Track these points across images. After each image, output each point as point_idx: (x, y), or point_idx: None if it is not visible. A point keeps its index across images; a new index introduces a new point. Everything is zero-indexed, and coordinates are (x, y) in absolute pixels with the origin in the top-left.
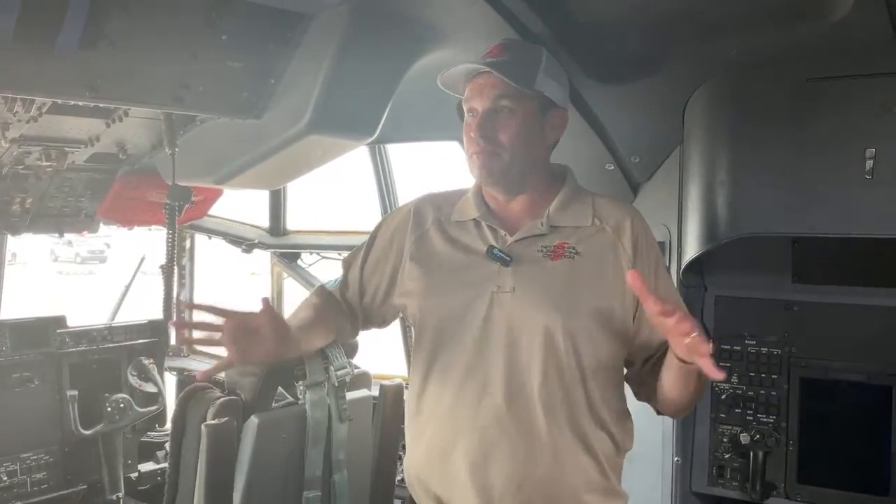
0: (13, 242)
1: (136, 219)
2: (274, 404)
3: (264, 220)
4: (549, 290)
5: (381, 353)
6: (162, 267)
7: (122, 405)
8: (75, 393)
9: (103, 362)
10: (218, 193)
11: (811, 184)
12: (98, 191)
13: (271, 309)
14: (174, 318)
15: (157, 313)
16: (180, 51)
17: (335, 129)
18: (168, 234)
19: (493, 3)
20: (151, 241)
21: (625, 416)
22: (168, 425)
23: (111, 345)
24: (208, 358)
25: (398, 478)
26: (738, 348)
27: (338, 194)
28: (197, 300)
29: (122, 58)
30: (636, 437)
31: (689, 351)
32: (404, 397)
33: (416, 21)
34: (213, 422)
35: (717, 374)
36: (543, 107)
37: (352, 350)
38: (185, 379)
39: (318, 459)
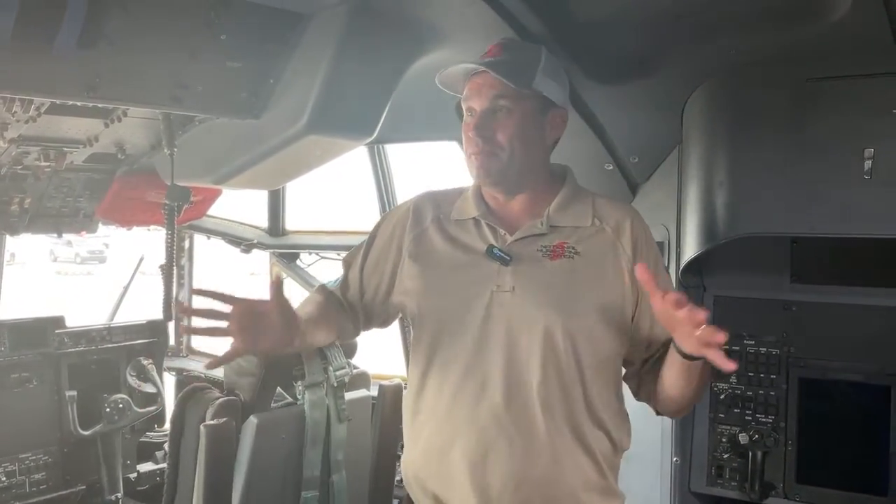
0: (12, 242)
1: (135, 219)
2: (273, 404)
3: (263, 221)
4: (548, 290)
5: (379, 353)
6: (161, 267)
7: (120, 405)
8: (74, 393)
9: (102, 363)
10: (217, 193)
11: (810, 184)
12: (97, 191)
13: (281, 294)
14: (174, 317)
15: (156, 313)
16: (179, 51)
17: (334, 130)
18: (167, 234)
19: (491, 3)
20: (150, 241)
21: (623, 415)
22: (167, 425)
23: (110, 345)
24: (207, 358)
25: (397, 478)
26: (737, 348)
27: (337, 195)
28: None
29: (121, 58)
30: (635, 436)
31: (698, 343)
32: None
33: (415, 21)
34: (211, 422)
35: (728, 365)
36: (542, 107)
37: (351, 350)
38: (183, 379)
39: (317, 459)
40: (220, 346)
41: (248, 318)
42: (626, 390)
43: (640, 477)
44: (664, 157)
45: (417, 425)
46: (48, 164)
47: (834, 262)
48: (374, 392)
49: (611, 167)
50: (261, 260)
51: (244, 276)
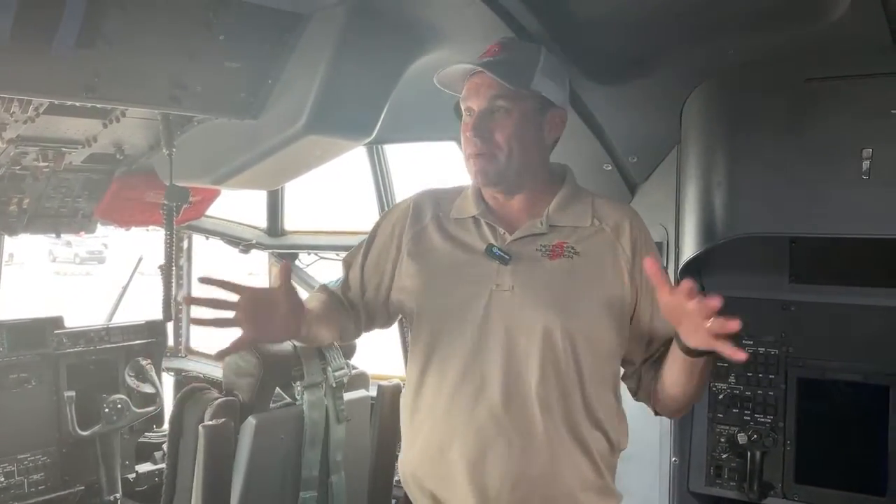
0: (10, 243)
1: (134, 219)
2: (271, 405)
3: (262, 221)
4: (547, 290)
5: (378, 353)
6: (161, 267)
7: (119, 406)
8: (73, 394)
9: (101, 363)
10: (215, 194)
11: (808, 184)
12: (95, 191)
13: (288, 280)
14: (174, 318)
15: (154, 314)
16: (177, 51)
17: (332, 130)
18: (166, 234)
19: (489, 3)
20: (149, 241)
21: (620, 415)
22: (166, 426)
23: (109, 345)
24: (206, 359)
25: (396, 478)
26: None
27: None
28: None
29: (120, 58)
30: (634, 436)
31: (707, 335)
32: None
33: (413, 21)
34: (210, 422)
35: (739, 354)
36: (541, 107)
37: (349, 351)
38: (182, 380)
39: (316, 460)
40: (221, 346)
41: (254, 306)
42: (624, 390)
43: (638, 477)
44: (663, 157)
45: (416, 424)
46: (46, 164)
47: (832, 262)
48: (372, 392)
49: (609, 167)
50: (259, 260)
51: (243, 276)
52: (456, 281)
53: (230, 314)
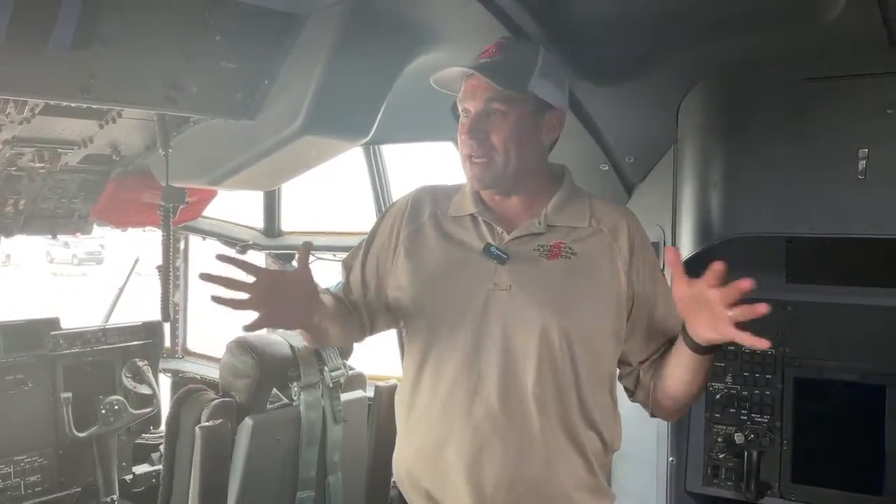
0: (7, 244)
1: (130, 220)
2: (268, 406)
3: (259, 222)
4: (545, 290)
5: (375, 354)
6: (158, 268)
7: (116, 407)
8: (69, 395)
9: (97, 364)
10: (212, 194)
11: (804, 184)
12: (91, 192)
13: (307, 265)
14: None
15: (151, 315)
16: (173, 52)
17: (329, 130)
18: (163, 235)
19: (486, 4)
20: (146, 242)
21: (615, 416)
22: (163, 427)
23: (105, 347)
24: (204, 360)
25: (393, 479)
26: (732, 348)
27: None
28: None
29: (116, 59)
30: (631, 436)
31: (728, 325)
32: None
33: (410, 22)
34: (207, 424)
35: (762, 343)
36: (538, 109)
37: (346, 351)
38: (179, 381)
39: (313, 460)
40: (218, 348)
41: (270, 289)
42: (620, 391)
43: (636, 477)
44: (659, 157)
45: (411, 422)
46: (42, 165)
47: (829, 262)
48: (370, 393)
49: (606, 167)
50: (257, 261)
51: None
52: (453, 279)
53: (245, 296)
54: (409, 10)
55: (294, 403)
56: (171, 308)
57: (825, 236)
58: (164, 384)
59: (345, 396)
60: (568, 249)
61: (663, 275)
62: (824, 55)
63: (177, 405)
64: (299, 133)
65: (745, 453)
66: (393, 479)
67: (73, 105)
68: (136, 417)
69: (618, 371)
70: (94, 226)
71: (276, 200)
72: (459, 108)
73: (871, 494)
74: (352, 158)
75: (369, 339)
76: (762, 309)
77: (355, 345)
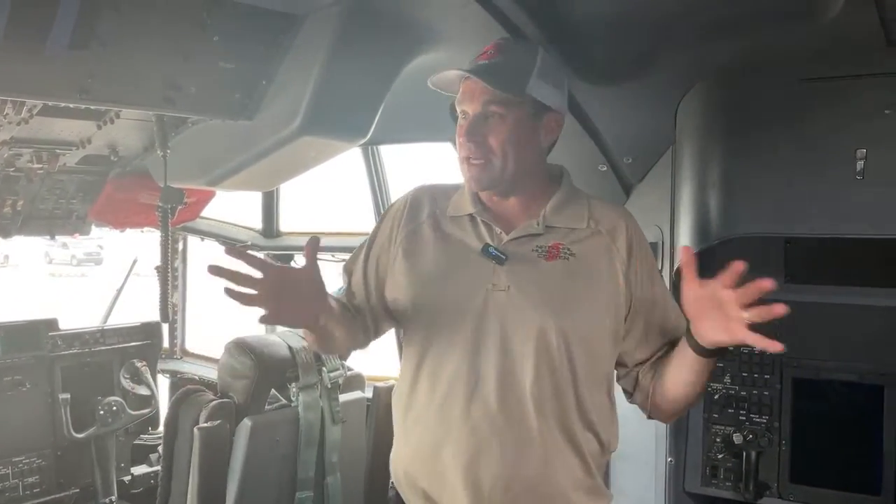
0: (5, 245)
1: (129, 221)
2: (267, 407)
3: (257, 222)
4: (543, 291)
5: (374, 354)
6: (157, 268)
7: (114, 408)
8: (67, 396)
9: (96, 365)
10: (210, 195)
11: (803, 184)
12: (90, 193)
13: (315, 261)
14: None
15: (150, 315)
16: (172, 52)
17: (328, 131)
18: (161, 236)
19: (484, 4)
20: (144, 242)
21: (612, 417)
22: (161, 428)
23: (103, 347)
24: (203, 361)
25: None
26: (731, 348)
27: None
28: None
29: (113, 59)
30: (629, 437)
31: (741, 327)
32: None
33: (408, 22)
34: (205, 425)
35: (776, 345)
36: (537, 111)
37: None
38: (177, 381)
39: (311, 461)
40: (216, 348)
41: (278, 286)
42: (618, 392)
43: (634, 477)
44: (658, 157)
45: (409, 423)
46: (41, 165)
47: (828, 262)
48: (368, 394)
49: (604, 168)
50: None
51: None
52: (452, 279)
53: (252, 292)
54: (407, 10)
55: (292, 404)
56: (170, 309)
57: (824, 236)
58: (163, 385)
59: (343, 397)
60: (566, 250)
61: (661, 276)
62: (822, 55)
63: (175, 406)
64: (297, 133)
65: (744, 453)
66: (391, 480)
67: (71, 106)
68: (135, 418)
69: (615, 372)
70: (93, 226)
71: (275, 201)
72: (458, 110)
73: (869, 494)
74: (350, 159)
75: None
76: (780, 310)
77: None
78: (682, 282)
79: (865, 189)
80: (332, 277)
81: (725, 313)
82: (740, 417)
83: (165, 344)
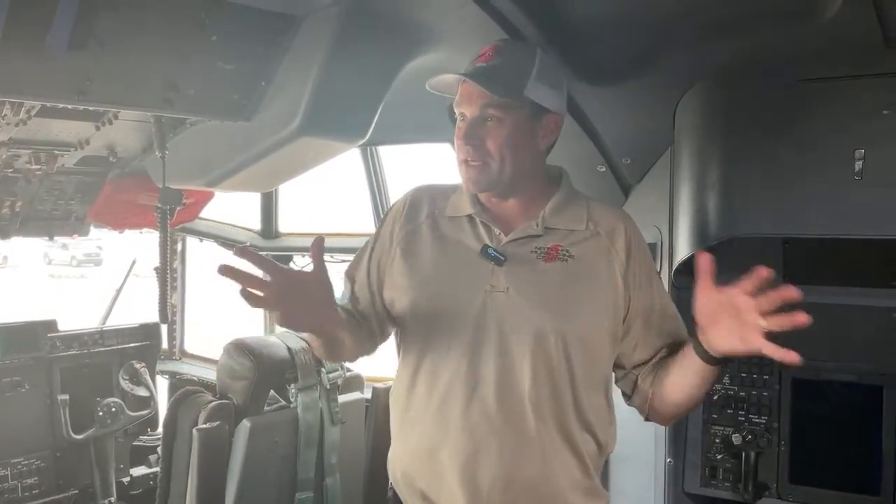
0: (4, 246)
1: (127, 222)
2: (266, 408)
3: (256, 223)
4: (542, 292)
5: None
6: (156, 269)
7: (113, 409)
8: (66, 397)
9: (95, 366)
10: (209, 196)
11: (801, 185)
12: (88, 194)
13: (322, 262)
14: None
15: (149, 316)
16: (170, 53)
17: (326, 132)
18: (160, 237)
19: (482, 5)
20: (144, 243)
21: (610, 418)
22: (160, 429)
23: (102, 349)
24: (202, 362)
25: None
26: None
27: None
28: (192, 301)
29: (112, 60)
30: (629, 438)
31: (756, 336)
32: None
33: (407, 23)
34: (204, 426)
35: (792, 356)
36: (535, 113)
37: None
38: (176, 382)
39: (311, 461)
40: (215, 349)
41: (285, 290)
42: (617, 393)
43: (633, 478)
44: (656, 158)
45: (407, 423)
46: (39, 167)
47: (826, 262)
48: (367, 395)
49: (603, 169)
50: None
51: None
52: (450, 280)
53: (261, 294)
54: (406, 11)
55: (291, 405)
56: (169, 310)
57: (822, 237)
58: (162, 386)
59: (342, 398)
60: (565, 252)
61: (659, 278)
62: (821, 56)
63: (174, 407)
64: (296, 134)
65: (743, 454)
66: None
67: (69, 107)
68: (134, 419)
69: (613, 374)
70: (91, 227)
71: (274, 202)
72: (456, 112)
73: (868, 495)
74: (349, 160)
75: None
76: (802, 319)
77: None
78: (697, 287)
79: (864, 189)
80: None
81: (742, 321)
82: (739, 418)
83: (164, 345)
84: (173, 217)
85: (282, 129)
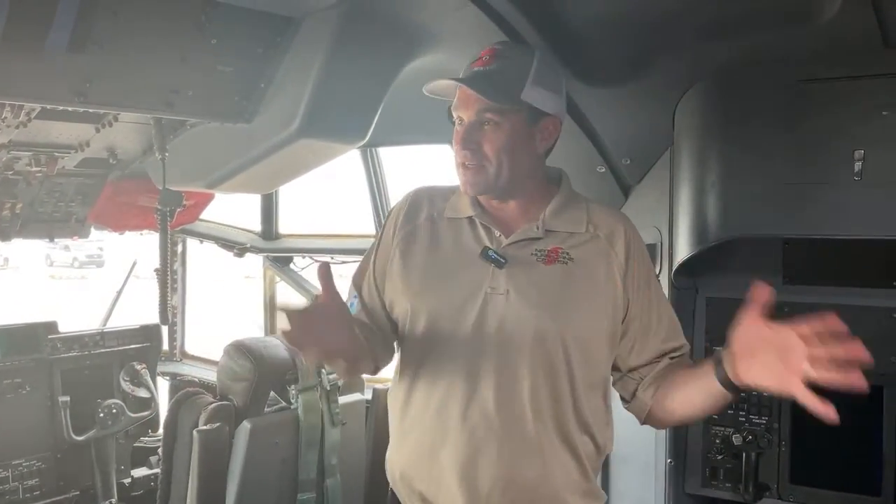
0: (5, 248)
1: (128, 224)
2: (266, 409)
3: (256, 224)
4: (543, 295)
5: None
6: (157, 271)
7: (114, 411)
8: (67, 399)
9: (95, 368)
10: (209, 198)
11: (801, 185)
12: (88, 196)
13: (332, 289)
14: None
15: (149, 318)
16: (170, 55)
17: (326, 133)
18: (161, 239)
19: (481, 7)
20: (145, 244)
21: (608, 420)
22: (161, 430)
23: (103, 350)
24: (202, 363)
25: None
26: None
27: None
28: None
29: (111, 62)
30: (629, 439)
31: (795, 379)
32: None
33: (406, 25)
34: (204, 427)
35: (831, 413)
36: (533, 117)
37: None
38: (177, 384)
39: (312, 463)
40: (216, 351)
41: (310, 326)
42: (615, 394)
43: (634, 479)
44: (656, 159)
45: (406, 425)
46: (39, 169)
47: (826, 263)
48: (367, 396)
49: (603, 169)
50: (256, 263)
51: (239, 279)
52: (450, 282)
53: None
54: (405, 12)
55: (292, 406)
56: (169, 311)
57: (822, 237)
58: (163, 387)
59: (342, 399)
60: (565, 255)
61: (658, 281)
62: (820, 57)
63: (174, 408)
64: (296, 136)
65: (744, 455)
66: None
67: (69, 109)
68: (134, 421)
69: (611, 377)
70: (92, 229)
71: (274, 203)
72: (454, 115)
73: (869, 495)
74: (349, 161)
75: None
76: (861, 384)
77: None
78: (745, 316)
79: (863, 190)
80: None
81: (785, 362)
82: (740, 418)
83: (165, 346)
84: (173, 219)
85: (282, 130)
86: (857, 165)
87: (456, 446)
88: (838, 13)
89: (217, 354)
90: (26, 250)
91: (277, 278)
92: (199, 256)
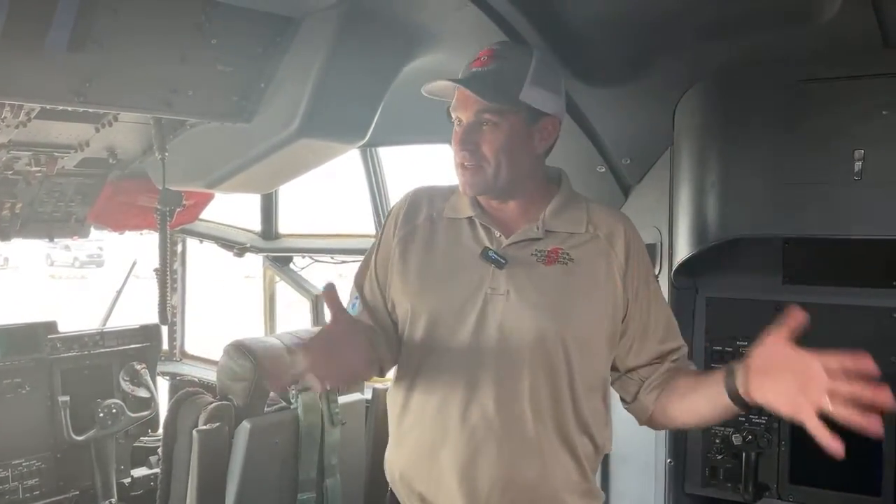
0: (5, 247)
1: (128, 223)
2: (266, 409)
3: (256, 224)
4: (543, 295)
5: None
6: (156, 270)
7: (114, 410)
8: (67, 399)
9: (95, 368)
10: (209, 197)
11: (801, 185)
12: (88, 196)
13: (340, 310)
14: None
15: (149, 318)
16: (169, 55)
17: (326, 133)
18: (160, 239)
19: (481, 7)
20: (144, 244)
21: (607, 420)
22: (161, 430)
23: (103, 350)
24: (202, 363)
25: None
26: (730, 350)
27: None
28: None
29: (111, 62)
30: (629, 438)
31: (810, 408)
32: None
33: (406, 25)
34: (204, 427)
35: (836, 446)
36: (531, 117)
37: None
38: (177, 384)
39: (312, 463)
40: (216, 350)
41: (324, 355)
42: (615, 395)
43: (634, 479)
44: (656, 159)
45: (405, 425)
46: (39, 169)
47: (826, 262)
48: (367, 395)
49: (603, 169)
50: (256, 263)
51: (239, 279)
52: (451, 282)
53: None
54: (404, 12)
55: (292, 406)
56: (169, 311)
57: (822, 237)
58: (162, 387)
59: (342, 399)
60: (565, 255)
61: (657, 282)
62: (820, 57)
63: (174, 408)
64: (296, 136)
65: (744, 454)
66: None
67: (69, 109)
68: (134, 421)
69: (610, 378)
70: (92, 229)
71: (274, 203)
72: (452, 116)
73: (869, 495)
74: (349, 161)
75: None
76: (877, 429)
77: None
78: (772, 334)
79: (863, 190)
80: (332, 279)
81: (803, 388)
82: (740, 418)
83: (165, 346)
84: (173, 218)
85: (281, 130)
86: (858, 165)
87: (456, 446)
88: (838, 13)
89: (217, 354)
90: (26, 250)
91: (277, 278)
92: (199, 256)
